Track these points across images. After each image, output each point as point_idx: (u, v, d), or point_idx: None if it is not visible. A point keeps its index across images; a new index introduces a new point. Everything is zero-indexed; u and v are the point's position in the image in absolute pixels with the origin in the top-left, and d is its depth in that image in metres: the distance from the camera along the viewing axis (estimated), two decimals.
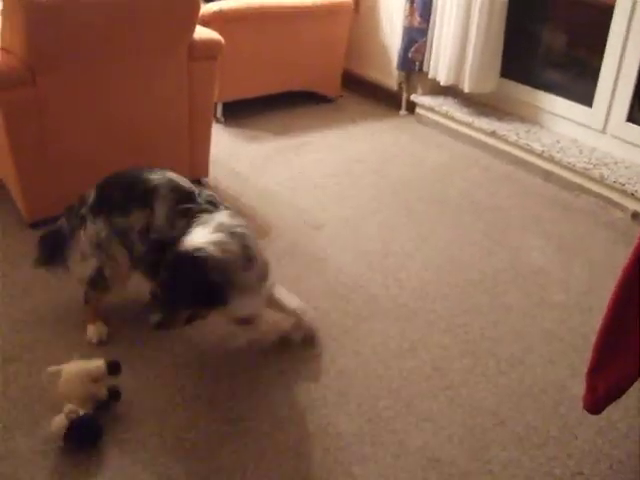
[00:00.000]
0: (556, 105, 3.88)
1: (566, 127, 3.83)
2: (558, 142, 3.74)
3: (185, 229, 2.04)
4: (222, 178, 3.53)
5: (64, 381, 2.03)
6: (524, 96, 4.05)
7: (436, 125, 4.31)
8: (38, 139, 2.82)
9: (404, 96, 4.52)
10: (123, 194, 2.23)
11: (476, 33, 3.85)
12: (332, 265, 2.89)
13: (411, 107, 4.51)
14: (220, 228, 2.03)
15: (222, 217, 2.10)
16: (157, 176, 2.22)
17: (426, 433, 2.09)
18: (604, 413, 2.14)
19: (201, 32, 3.13)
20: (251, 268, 2.05)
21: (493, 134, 3.92)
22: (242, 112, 4.34)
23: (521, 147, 3.79)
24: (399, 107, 4.56)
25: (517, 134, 3.83)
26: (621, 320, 1.41)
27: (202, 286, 1.93)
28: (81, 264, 2.34)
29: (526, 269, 2.92)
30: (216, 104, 4.16)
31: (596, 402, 1.45)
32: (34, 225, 2.97)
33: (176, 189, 2.19)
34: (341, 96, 4.74)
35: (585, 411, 1.51)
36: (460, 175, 3.75)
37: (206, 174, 3.45)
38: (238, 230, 2.06)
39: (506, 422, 2.14)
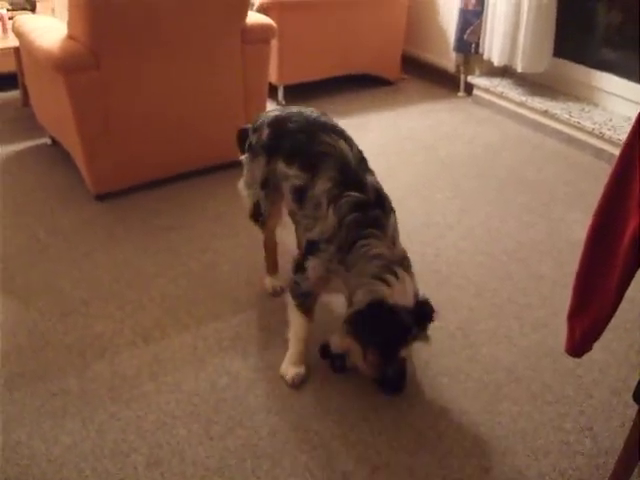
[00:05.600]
0: (611, 83, 3.88)
1: (620, 105, 3.83)
2: (610, 120, 3.75)
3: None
4: None
5: None
6: (578, 75, 4.07)
7: (492, 105, 4.37)
8: (102, 117, 3.06)
9: (462, 78, 4.59)
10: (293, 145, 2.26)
11: (527, 13, 3.90)
12: None
13: (469, 89, 4.57)
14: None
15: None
16: (330, 141, 2.19)
17: (443, 387, 2.21)
18: (622, 374, 2.23)
19: (254, 17, 3.31)
20: None
21: (545, 113, 3.96)
22: (304, 95, 4.50)
23: (572, 125, 3.82)
24: (458, 89, 4.64)
25: (569, 112, 3.86)
26: (595, 265, 1.51)
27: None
28: (246, 190, 2.52)
29: (564, 241, 2.98)
30: (277, 87, 4.35)
31: (574, 345, 1.54)
32: (99, 197, 3.25)
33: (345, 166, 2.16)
34: (403, 78, 4.86)
35: (567, 353, 1.60)
36: (510, 153, 3.81)
37: None
38: None
39: (522, 380, 2.24)
